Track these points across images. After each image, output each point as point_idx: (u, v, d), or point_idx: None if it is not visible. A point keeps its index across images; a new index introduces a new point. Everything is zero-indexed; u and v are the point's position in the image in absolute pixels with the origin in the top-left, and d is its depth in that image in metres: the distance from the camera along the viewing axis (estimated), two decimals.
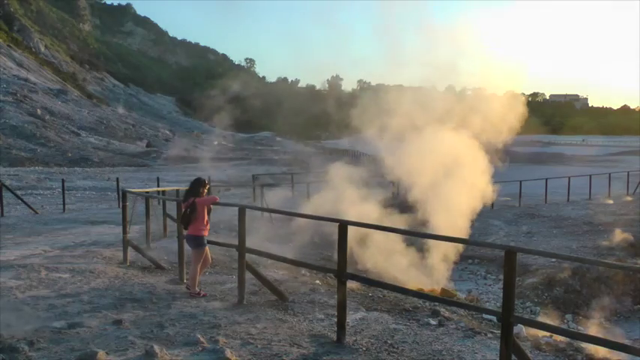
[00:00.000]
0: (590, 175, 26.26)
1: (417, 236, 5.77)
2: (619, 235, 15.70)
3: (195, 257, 7.38)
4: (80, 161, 39.09)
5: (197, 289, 7.42)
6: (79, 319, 6.07)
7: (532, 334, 6.85)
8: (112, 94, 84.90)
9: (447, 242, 10.85)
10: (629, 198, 24.82)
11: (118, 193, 18.85)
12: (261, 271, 7.95)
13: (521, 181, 23.94)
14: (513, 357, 4.60)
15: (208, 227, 7.46)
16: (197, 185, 7.38)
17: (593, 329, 10.91)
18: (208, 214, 7.44)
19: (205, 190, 7.46)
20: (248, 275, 7.24)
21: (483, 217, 19.57)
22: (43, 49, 77.91)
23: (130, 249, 9.50)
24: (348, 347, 5.60)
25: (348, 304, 5.99)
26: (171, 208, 11.27)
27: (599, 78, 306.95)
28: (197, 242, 7.31)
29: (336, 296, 6.23)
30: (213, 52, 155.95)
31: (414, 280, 10.90)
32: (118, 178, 22.55)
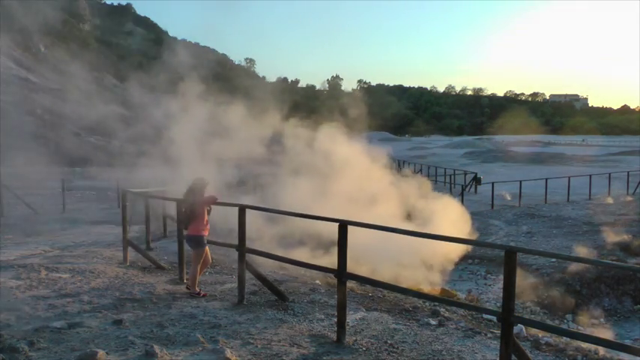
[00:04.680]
0: (590, 175, 26.26)
1: (416, 236, 5.76)
2: (619, 235, 15.70)
3: (196, 257, 7.38)
4: (80, 161, 39.08)
5: (197, 289, 7.42)
6: (79, 319, 6.07)
7: (532, 334, 6.84)
8: (112, 94, 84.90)
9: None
10: (629, 198, 24.83)
11: (118, 193, 18.84)
12: (261, 271, 7.95)
13: (521, 181, 23.97)
14: (513, 357, 4.60)
15: (208, 227, 7.46)
16: (197, 185, 7.38)
17: (593, 329, 10.91)
18: (208, 214, 7.44)
19: (205, 190, 7.46)
20: (248, 275, 7.24)
21: (483, 217, 19.62)
22: (43, 49, 77.91)
23: (130, 249, 9.50)
24: (348, 347, 5.60)
25: (348, 304, 6.00)
26: (172, 208, 11.26)
27: (599, 78, 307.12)
28: (197, 242, 7.31)
29: (336, 296, 6.23)
30: (213, 52, 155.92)
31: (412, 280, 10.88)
32: (117, 179, 22.52)
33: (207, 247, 7.47)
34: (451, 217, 12.56)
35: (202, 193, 7.36)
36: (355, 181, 12.49)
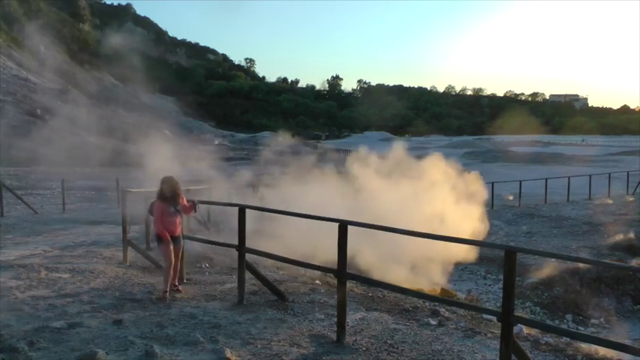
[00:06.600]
0: (590, 175, 26.29)
1: (416, 236, 5.76)
2: (619, 235, 15.70)
3: (164, 256, 7.16)
4: (80, 161, 39.05)
5: (166, 289, 7.07)
6: (79, 319, 6.06)
7: (532, 334, 6.84)
8: (112, 94, 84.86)
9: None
10: (629, 198, 24.83)
11: (118, 193, 18.84)
12: (261, 271, 7.95)
13: (521, 181, 23.98)
14: (513, 357, 4.61)
15: (161, 226, 7.08)
16: (161, 184, 7.16)
17: (592, 329, 10.91)
18: (192, 211, 7.31)
19: (174, 189, 7.12)
20: (248, 275, 7.24)
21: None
22: (43, 49, 77.85)
23: (130, 249, 9.49)
24: (348, 347, 5.60)
25: (348, 304, 5.99)
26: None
27: (599, 78, 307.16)
28: (157, 240, 7.16)
29: (336, 296, 6.23)
30: (214, 52, 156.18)
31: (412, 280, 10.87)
32: (117, 178, 22.53)
33: (171, 247, 7.11)
34: None
35: (168, 193, 7.07)
36: None
